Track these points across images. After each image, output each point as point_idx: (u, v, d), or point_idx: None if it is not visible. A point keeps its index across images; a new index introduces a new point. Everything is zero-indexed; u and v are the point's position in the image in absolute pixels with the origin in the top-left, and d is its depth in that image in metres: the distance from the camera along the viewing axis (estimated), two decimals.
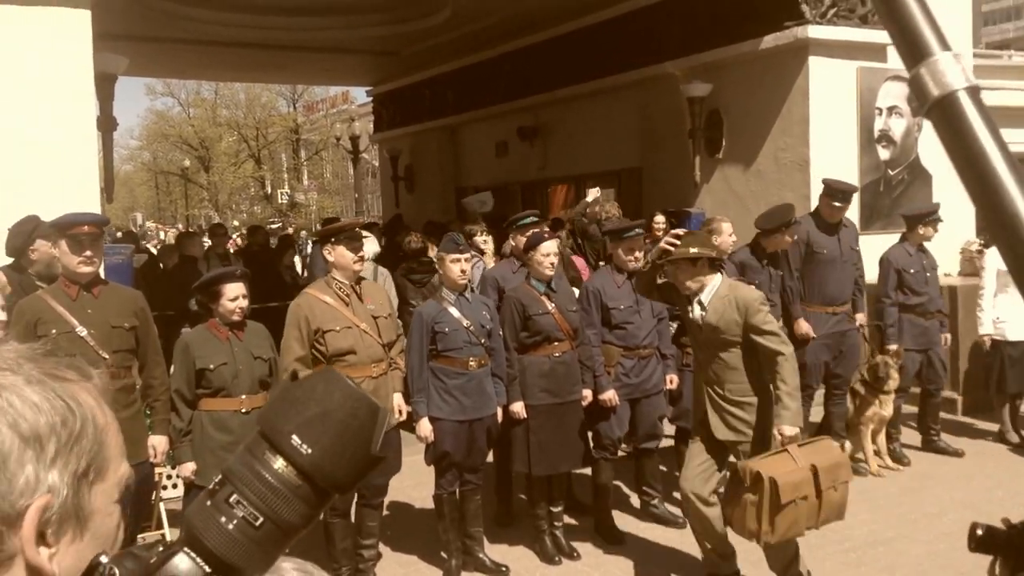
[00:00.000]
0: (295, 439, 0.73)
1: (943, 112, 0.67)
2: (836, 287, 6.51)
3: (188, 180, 42.06)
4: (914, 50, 0.68)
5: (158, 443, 4.36)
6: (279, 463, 0.74)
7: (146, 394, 4.36)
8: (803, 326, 6.35)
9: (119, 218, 43.25)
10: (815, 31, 8.47)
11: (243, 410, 4.27)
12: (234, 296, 4.31)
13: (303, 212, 42.06)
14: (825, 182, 6.70)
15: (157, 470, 4.78)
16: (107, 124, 7.67)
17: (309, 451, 0.73)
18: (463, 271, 4.87)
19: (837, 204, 6.47)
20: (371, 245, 6.74)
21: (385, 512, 5.64)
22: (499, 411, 5.01)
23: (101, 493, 0.78)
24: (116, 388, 4.15)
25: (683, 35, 9.80)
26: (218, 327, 4.34)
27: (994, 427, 7.53)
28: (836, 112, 8.65)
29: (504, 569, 5.05)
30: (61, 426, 0.75)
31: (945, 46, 0.68)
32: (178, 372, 4.27)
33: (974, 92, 0.67)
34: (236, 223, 38.20)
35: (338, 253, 4.62)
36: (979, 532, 0.93)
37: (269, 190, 43.92)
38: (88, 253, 4.07)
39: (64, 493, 0.75)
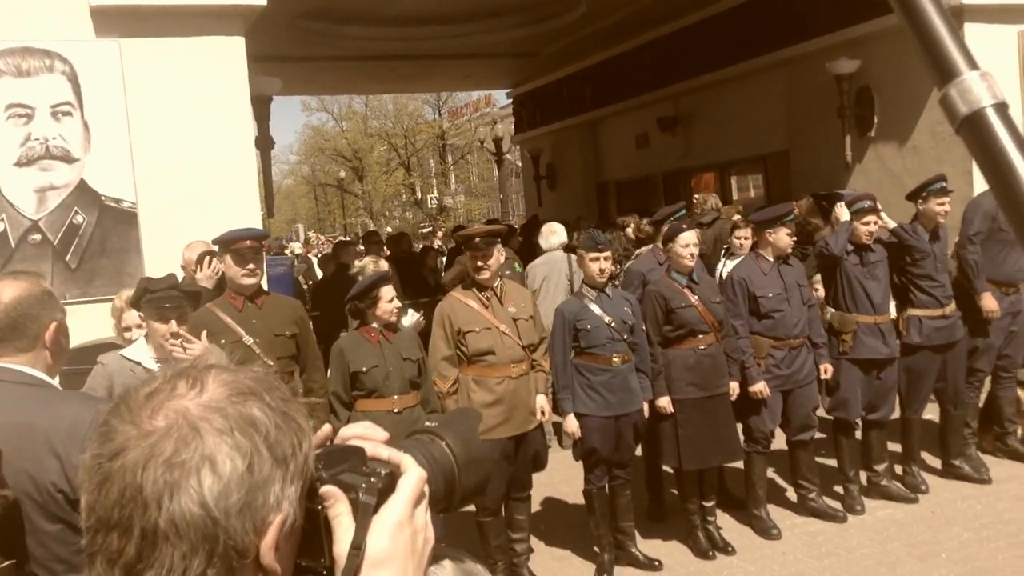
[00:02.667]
0: (449, 435, 1.00)
1: (971, 128, 0.70)
2: (1014, 267, 6.10)
3: (344, 190, 43.81)
4: (943, 71, 0.71)
5: None
6: (435, 443, 0.97)
7: (307, 398, 4.61)
8: (990, 301, 5.94)
9: (281, 229, 45.54)
10: None
11: (395, 410, 4.45)
12: (390, 298, 4.52)
13: (452, 216, 43.02)
14: None
15: None
16: (264, 143, 8.15)
17: (454, 444, 0.98)
18: (602, 269, 4.89)
19: None
20: (559, 236, 7.24)
21: (537, 507, 5.75)
22: (645, 406, 5.00)
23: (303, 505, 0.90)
24: None
25: (828, 11, 9.44)
26: (369, 332, 4.54)
27: None
28: (997, 79, 8.08)
29: (657, 564, 5.04)
30: (298, 449, 0.87)
31: (973, 66, 0.70)
32: (335, 376, 4.50)
33: (1002, 108, 0.69)
34: (389, 229, 39.53)
35: (468, 260, 4.79)
36: None
37: (419, 196, 45.15)
38: (251, 266, 4.35)
39: (295, 509, 0.86)
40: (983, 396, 6.42)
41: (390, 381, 4.49)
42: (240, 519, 0.82)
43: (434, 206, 43.06)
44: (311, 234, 35.63)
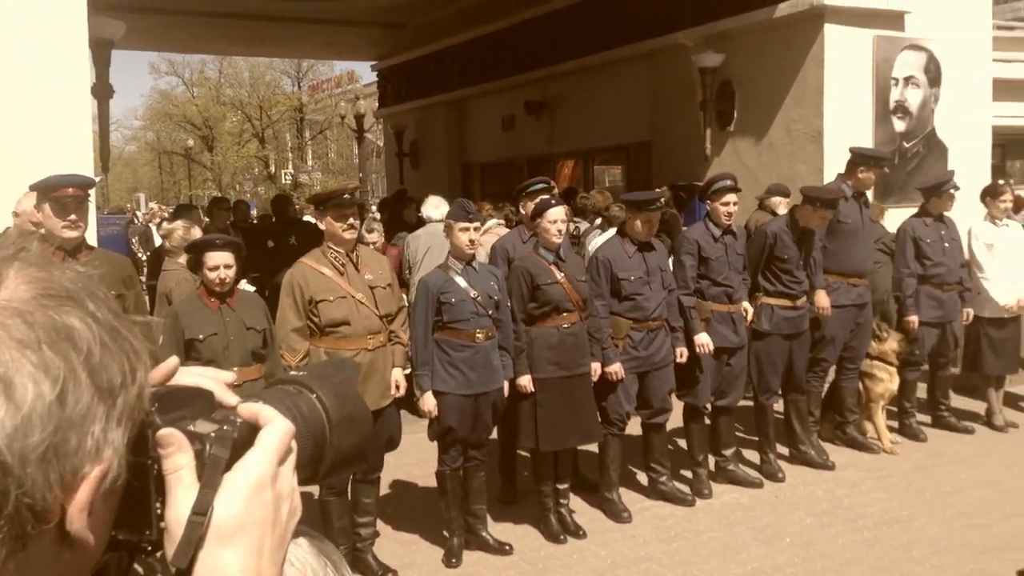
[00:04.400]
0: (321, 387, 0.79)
1: None
2: (859, 258, 6.34)
3: (191, 160, 41.80)
4: None
5: None
6: (303, 395, 0.77)
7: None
8: (823, 298, 6.13)
9: (122, 198, 43.13)
10: None
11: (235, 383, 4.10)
12: (214, 266, 4.14)
13: (307, 192, 41.83)
14: (853, 150, 6.52)
15: None
16: (103, 91, 7.49)
17: (327, 398, 0.78)
18: (472, 240, 4.69)
19: (866, 173, 6.31)
20: (444, 207, 6.96)
21: (386, 490, 5.52)
22: (505, 385, 4.84)
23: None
24: None
25: (694, 4, 9.57)
26: (208, 296, 4.17)
27: (981, 406, 7.19)
28: (851, 82, 8.42)
29: (508, 548, 4.91)
30: (130, 379, 0.64)
31: None
32: (167, 343, 4.08)
33: None
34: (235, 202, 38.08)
35: (327, 222, 4.47)
36: None
37: (273, 170, 43.70)
38: (73, 217, 3.89)
39: (119, 460, 0.64)
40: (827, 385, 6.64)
41: (230, 351, 4.15)
42: (42, 468, 0.59)
43: (288, 181, 41.72)
44: (153, 205, 33.91)
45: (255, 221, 13.16)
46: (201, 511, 0.65)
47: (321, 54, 22.40)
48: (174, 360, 0.73)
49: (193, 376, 0.73)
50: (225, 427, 0.68)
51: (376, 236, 6.95)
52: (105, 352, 0.62)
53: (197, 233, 5.56)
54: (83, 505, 0.61)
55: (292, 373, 0.81)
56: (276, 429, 0.69)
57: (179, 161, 43.82)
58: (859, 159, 6.38)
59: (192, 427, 0.68)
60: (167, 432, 0.66)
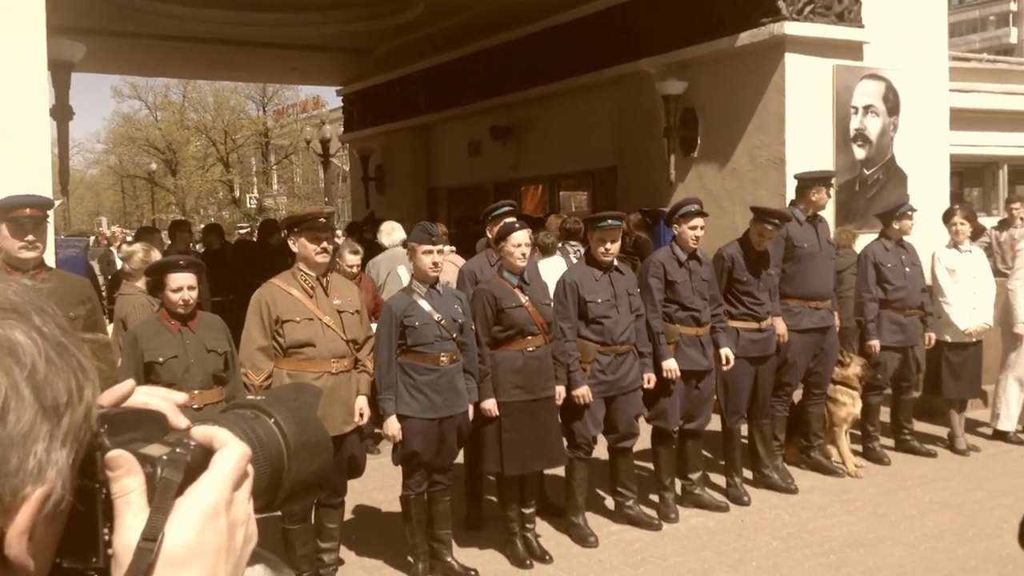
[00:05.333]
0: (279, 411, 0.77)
1: None
2: (818, 281, 6.38)
3: (155, 184, 41.38)
4: None
5: None
6: (261, 420, 0.75)
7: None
8: (780, 325, 6.17)
9: (84, 222, 42.57)
10: (791, 28, 8.35)
11: (194, 406, 4.03)
12: (177, 287, 4.10)
13: (272, 216, 41.61)
14: (797, 176, 6.66)
15: None
16: (63, 113, 7.38)
17: (285, 423, 0.76)
18: (435, 263, 4.67)
19: (818, 195, 6.39)
20: (401, 232, 7.19)
21: (349, 516, 5.45)
22: (470, 409, 4.81)
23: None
24: None
25: (659, 32, 9.67)
26: (169, 318, 4.11)
27: (942, 430, 7.30)
28: (812, 110, 8.55)
29: (473, 573, 4.85)
30: (76, 398, 0.63)
31: None
32: (126, 366, 4.01)
33: None
34: (202, 226, 37.77)
35: (300, 244, 4.46)
36: None
37: (238, 194, 43.43)
38: (30, 237, 3.85)
39: (64, 482, 0.62)
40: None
41: (190, 374, 4.09)
42: None
43: (253, 206, 41.45)
44: (115, 228, 33.49)
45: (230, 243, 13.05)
46: (151, 537, 0.63)
47: (288, 78, 22.34)
48: (130, 383, 0.71)
49: (145, 396, 0.71)
50: (178, 450, 0.66)
51: (357, 259, 6.64)
52: (51, 368, 0.61)
53: (157, 256, 5.48)
54: (23, 528, 0.59)
55: (250, 397, 0.79)
56: (231, 453, 0.67)
57: (142, 185, 43.39)
58: (805, 183, 6.49)
59: (143, 449, 0.65)
60: (116, 454, 0.63)
